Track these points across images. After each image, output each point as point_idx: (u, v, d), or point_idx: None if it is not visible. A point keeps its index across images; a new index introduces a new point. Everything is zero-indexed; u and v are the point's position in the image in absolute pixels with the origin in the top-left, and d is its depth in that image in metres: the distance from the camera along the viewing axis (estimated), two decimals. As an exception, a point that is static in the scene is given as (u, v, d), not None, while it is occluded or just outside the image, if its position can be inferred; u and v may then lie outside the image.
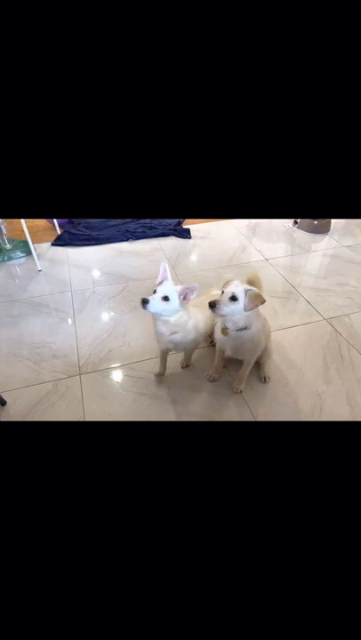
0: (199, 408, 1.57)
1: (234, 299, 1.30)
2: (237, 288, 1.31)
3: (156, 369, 1.71)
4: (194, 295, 1.35)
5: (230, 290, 1.31)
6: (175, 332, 1.42)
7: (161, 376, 1.71)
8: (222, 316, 1.33)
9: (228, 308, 1.30)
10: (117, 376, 1.72)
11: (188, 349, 1.65)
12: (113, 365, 1.77)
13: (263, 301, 1.32)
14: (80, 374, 1.72)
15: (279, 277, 2.43)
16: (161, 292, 1.31)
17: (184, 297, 1.34)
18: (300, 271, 2.51)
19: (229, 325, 1.38)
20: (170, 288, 1.32)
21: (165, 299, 1.30)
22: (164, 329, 1.41)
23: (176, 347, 1.54)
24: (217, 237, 2.92)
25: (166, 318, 1.36)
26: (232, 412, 1.56)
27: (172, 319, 1.37)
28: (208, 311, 1.37)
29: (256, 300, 1.30)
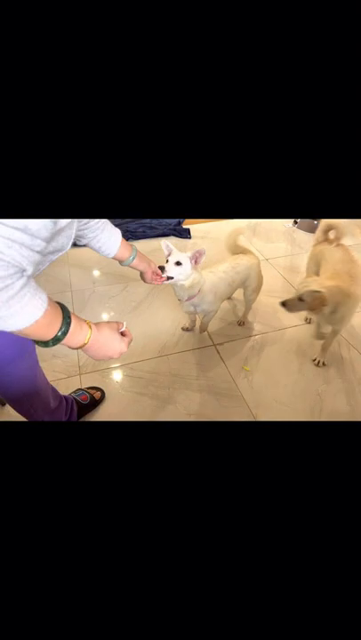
0: (199, 408, 1.57)
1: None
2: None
3: (185, 324, 2.01)
4: (203, 258, 1.51)
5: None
6: (192, 296, 1.60)
7: (188, 331, 2.00)
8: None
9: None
10: (117, 376, 1.72)
11: (208, 312, 1.83)
12: (113, 365, 1.77)
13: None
14: (80, 374, 1.72)
15: (279, 277, 2.43)
16: (173, 259, 1.49)
17: (195, 261, 1.51)
18: (300, 271, 2.50)
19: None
20: (179, 255, 1.52)
21: (178, 263, 1.48)
22: (182, 294, 1.59)
23: (196, 309, 1.75)
24: (217, 237, 2.91)
25: (182, 283, 1.53)
26: (232, 412, 1.56)
27: (187, 283, 1.53)
28: (224, 275, 1.71)
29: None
